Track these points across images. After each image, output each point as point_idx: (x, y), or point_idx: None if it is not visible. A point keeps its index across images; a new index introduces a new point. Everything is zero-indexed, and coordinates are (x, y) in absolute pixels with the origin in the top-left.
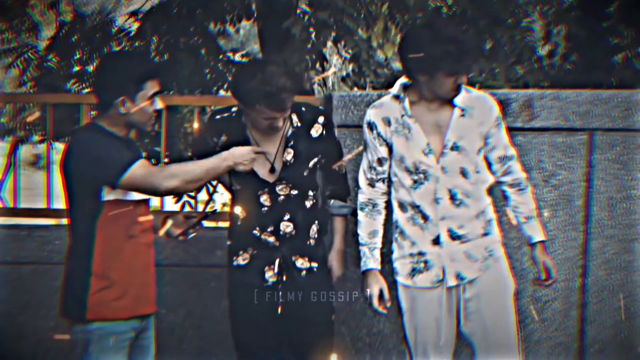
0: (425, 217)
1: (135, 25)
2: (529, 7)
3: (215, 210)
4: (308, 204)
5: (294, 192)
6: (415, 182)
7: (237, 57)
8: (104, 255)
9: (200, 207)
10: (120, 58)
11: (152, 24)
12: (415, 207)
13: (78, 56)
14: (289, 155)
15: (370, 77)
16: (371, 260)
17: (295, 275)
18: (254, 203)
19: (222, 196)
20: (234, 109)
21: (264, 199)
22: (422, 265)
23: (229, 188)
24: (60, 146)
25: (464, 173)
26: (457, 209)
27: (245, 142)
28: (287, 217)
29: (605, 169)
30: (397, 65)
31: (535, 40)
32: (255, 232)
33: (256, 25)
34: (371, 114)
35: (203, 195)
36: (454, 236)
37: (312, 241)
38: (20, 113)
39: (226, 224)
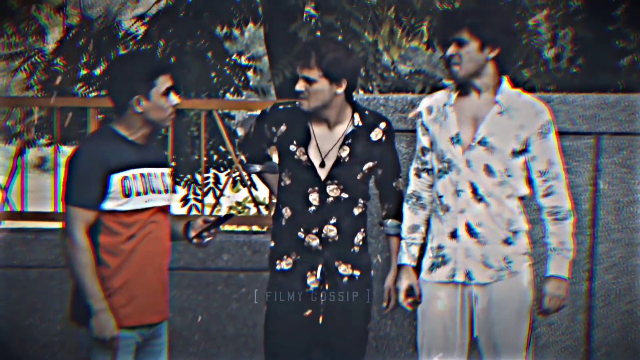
0: (445, 209)
1: (142, 29)
2: (536, 11)
3: (232, 214)
4: (357, 211)
5: (344, 195)
6: (440, 170)
7: (244, 61)
8: (108, 264)
9: (207, 211)
10: (128, 58)
11: (158, 28)
12: (439, 198)
13: (85, 60)
14: (344, 152)
15: (376, 81)
16: (405, 256)
17: (337, 281)
18: (302, 201)
19: (229, 199)
20: (297, 102)
21: (313, 197)
22: (440, 259)
23: (272, 189)
24: (66, 149)
25: (489, 171)
26: (478, 204)
27: (306, 132)
28: (332, 220)
29: (611, 173)
30: (403, 68)
31: (541, 44)
32: (300, 233)
33: (262, 28)
34: (421, 104)
35: (210, 199)
36: (471, 232)
37: (356, 249)
38: (27, 117)
39: (232, 228)
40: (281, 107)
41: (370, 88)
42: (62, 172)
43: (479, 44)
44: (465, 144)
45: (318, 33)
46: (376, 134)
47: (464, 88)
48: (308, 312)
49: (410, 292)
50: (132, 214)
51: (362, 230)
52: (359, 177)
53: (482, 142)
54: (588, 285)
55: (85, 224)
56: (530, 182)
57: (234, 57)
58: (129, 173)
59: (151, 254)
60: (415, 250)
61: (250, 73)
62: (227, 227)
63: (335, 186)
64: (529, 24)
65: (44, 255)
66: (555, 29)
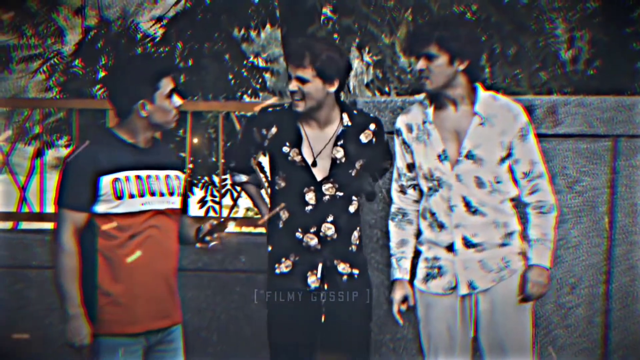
0: (440, 225)
1: (160, 31)
2: (553, 13)
3: (231, 217)
4: (352, 208)
5: (340, 193)
6: (430, 189)
7: (261, 63)
8: (107, 269)
9: (225, 213)
10: (129, 62)
11: (177, 30)
12: (432, 215)
13: (103, 62)
14: (339, 154)
15: (394, 83)
16: (397, 271)
17: (337, 280)
18: (299, 202)
19: (247, 201)
20: (286, 104)
21: (310, 197)
22: (435, 270)
23: (255, 201)
24: None
25: (479, 182)
26: (473, 216)
27: (296, 133)
28: (330, 218)
29: (629, 176)
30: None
31: (558, 44)
32: (298, 234)
33: (279, 30)
34: (398, 121)
35: (227, 200)
36: (468, 244)
37: (353, 247)
38: (46, 118)
39: (249, 229)
40: (270, 109)
41: (388, 90)
42: None
43: (448, 58)
44: (452, 159)
45: (335, 35)
46: (366, 136)
47: (438, 102)
48: (323, 318)
49: (405, 302)
50: (128, 217)
51: (358, 228)
52: (352, 174)
53: (469, 156)
54: (605, 288)
55: (73, 226)
56: (515, 182)
57: (251, 59)
58: (121, 175)
59: (152, 258)
60: (406, 263)
61: (267, 75)
62: (244, 229)
63: (330, 185)
64: (546, 26)
65: None
66: (572, 31)
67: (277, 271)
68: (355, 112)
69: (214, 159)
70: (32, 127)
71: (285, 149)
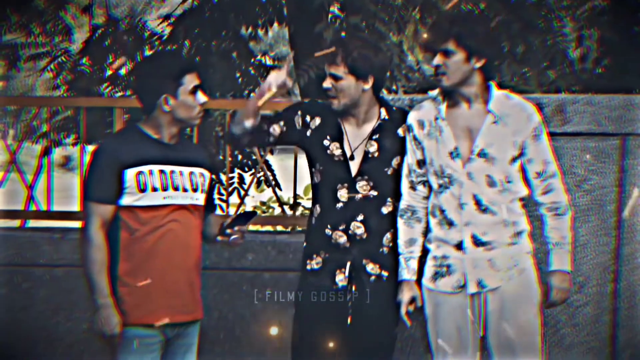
0: (450, 223)
1: (168, 29)
2: (561, 12)
3: (255, 212)
4: (385, 210)
5: (373, 193)
6: (440, 186)
7: (269, 61)
8: (127, 261)
9: (232, 211)
10: (155, 58)
11: (184, 28)
12: (442, 212)
13: (111, 60)
14: (372, 148)
15: (401, 81)
16: (405, 271)
17: (364, 280)
18: (331, 197)
19: (253, 199)
20: (328, 101)
21: (342, 194)
22: (444, 269)
23: (255, 143)
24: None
25: (490, 181)
26: (483, 214)
27: (337, 128)
28: (359, 217)
29: (637, 174)
30: (428, 68)
31: (566, 43)
32: (327, 230)
33: (287, 28)
34: (409, 117)
35: (234, 199)
36: (477, 242)
37: (385, 249)
38: (53, 117)
39: (257, 228)
40: (320, 101)
41: (395, 88)
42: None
43: (466, 55)
44: (464, 157)
45: (343, 34)
46: (403, 130)
47: (452, 99)
48: (349, 319)
49: (412, 303)
50: (149, 210)
51: (392, 230)
52: (389, 173)
53: (481, 154)
54: (613, 287)
55: (100, 218)
56: (527, 181)
57: (258, 57)
58: (145, 168)
59: (172, 252)
60: (414, 264)
61: None
62: (251, 227)
63: (365, 182)
64: (554, 25)
65: (70, 254)
66: (581, 29)
67: (309, 267)
68: (394, 108)
69: (221, 157)
70: (40, 125)
71: (326, 142)
